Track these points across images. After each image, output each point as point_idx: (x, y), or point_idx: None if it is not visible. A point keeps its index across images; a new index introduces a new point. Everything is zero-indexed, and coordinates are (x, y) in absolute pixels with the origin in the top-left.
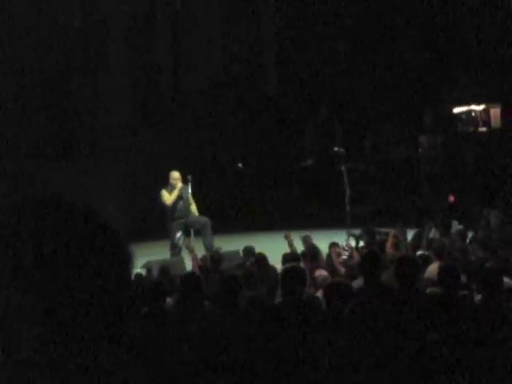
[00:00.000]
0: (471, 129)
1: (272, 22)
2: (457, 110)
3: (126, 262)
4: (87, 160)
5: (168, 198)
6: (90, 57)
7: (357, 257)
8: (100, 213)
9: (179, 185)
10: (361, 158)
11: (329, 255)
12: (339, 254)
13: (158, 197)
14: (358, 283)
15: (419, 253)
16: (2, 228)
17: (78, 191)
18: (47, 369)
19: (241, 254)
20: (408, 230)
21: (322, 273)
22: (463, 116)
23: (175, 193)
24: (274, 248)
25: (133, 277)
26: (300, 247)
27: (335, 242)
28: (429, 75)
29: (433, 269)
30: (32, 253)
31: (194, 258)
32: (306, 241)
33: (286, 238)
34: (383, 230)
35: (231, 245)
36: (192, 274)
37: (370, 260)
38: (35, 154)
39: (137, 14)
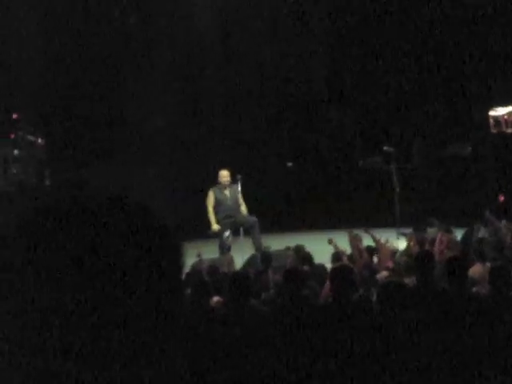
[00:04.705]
0: None
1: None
2: (503, 110)
3: (179, 260)
4: (134, 160)
5: (210, 202)
6: (130, 59)
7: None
8: (154, 212)
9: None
10: (410, 157)
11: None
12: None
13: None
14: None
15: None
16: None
17: (125, 192)
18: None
19: (291, 252)
20: (458, 230)
21: (383, 273)
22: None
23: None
24: (322, 247)
25: (184, 276)
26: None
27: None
28: (478, 75)
29: (476, 269)
30: (84, 254)
31: None
32: (354, 240)
33: (330, 243)
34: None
35: (280, 244)
36: (241, 272)
37: (423, 259)
38: (80, 156)
39: (181, 13)
